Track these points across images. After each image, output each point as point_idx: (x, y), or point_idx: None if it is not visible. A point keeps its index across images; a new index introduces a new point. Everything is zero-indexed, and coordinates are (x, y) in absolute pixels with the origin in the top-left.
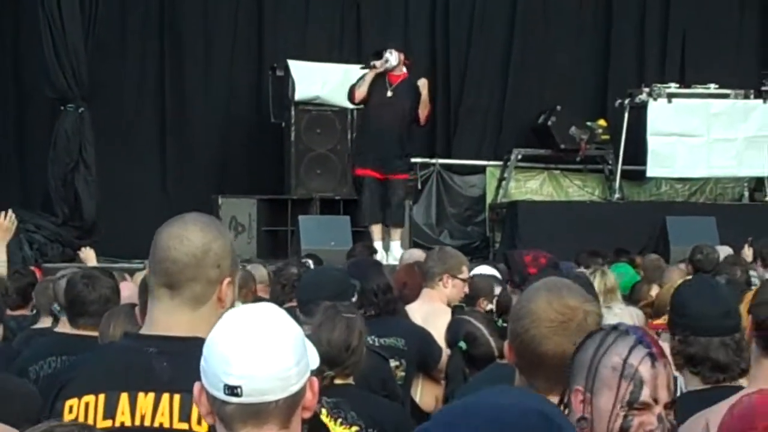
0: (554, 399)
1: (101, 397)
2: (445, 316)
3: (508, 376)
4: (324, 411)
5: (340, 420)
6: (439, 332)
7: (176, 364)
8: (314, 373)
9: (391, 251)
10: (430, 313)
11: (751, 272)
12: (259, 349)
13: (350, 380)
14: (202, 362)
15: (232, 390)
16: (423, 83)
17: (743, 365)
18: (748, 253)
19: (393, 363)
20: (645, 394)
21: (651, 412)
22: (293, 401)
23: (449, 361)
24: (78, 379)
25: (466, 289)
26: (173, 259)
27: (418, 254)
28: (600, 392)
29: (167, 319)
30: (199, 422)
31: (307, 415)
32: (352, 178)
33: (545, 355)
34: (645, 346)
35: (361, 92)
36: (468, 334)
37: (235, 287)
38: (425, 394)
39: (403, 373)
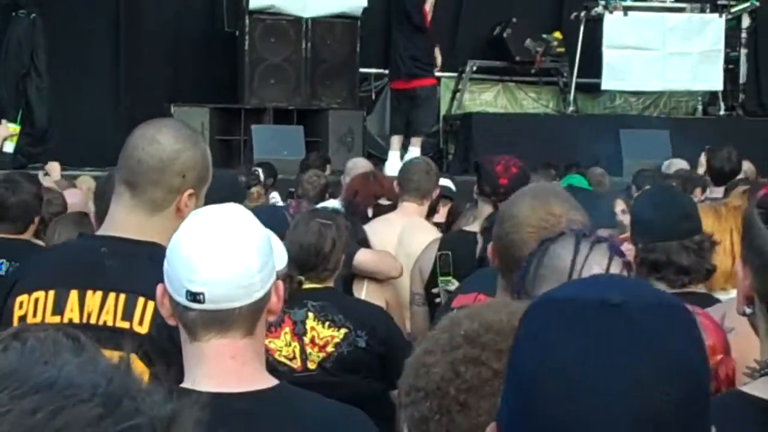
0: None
1: (51, 293)
2: (425, 232)
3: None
4: (311, 315)
5: (328, 323)
6: (417, 248)
7: (126, 265)
8: (282, 274)
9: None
10: (410, 226)
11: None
12: (223, 255)
13: (322, 284)
14: (165, 265)
15: (194, 296)
16: None
17: (707, 266)
18: (703, 162)
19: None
20: None
21: None
22: (258, 307)
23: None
24: (29, 275)
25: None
26: (139, 158)
27: (363, 164)
28: None
29: (125, 218)
30: (140, 322)
31: (272, 318)
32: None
33: (524, 260)
34: (620, 256)
35: None
36: None
37: (199, 201)
38: (371, 298)
39: None
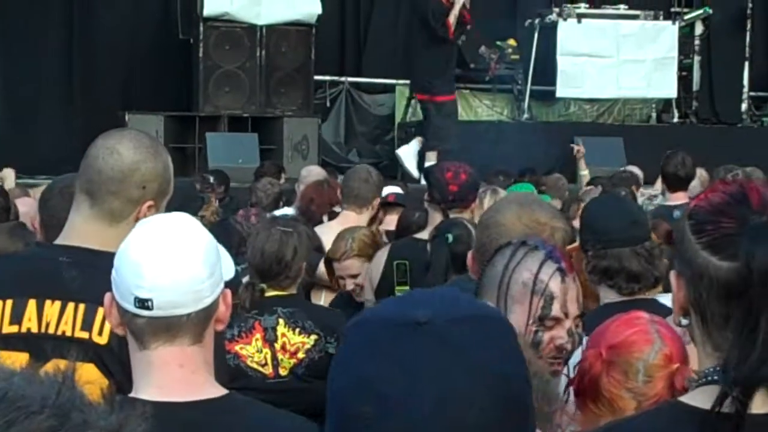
0: None
1: (9, 302)
2: None
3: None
4: (281, 321)
5: (298, 329)
6: None
7: (86, 274)
8: (235, 283)
9: None
10: None
11: (642, 191)
12: (171, 261)
13: (287, 291)
14: (113, 273)
15: (142, 303)
16: None
17: (656, 273)
18: (704, 174)
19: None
20: (556, 309)
21: (561, 326)
22: (206, 314)
23: (432, 252)
24: None
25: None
26: (99, 168)
27: (317, 171)
28: (512, 309)
29: (84, 228)
30: (100, 333)
31: (220, 327)
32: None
33: None
34: (554, 261)
35: None
36: (460, 228)
37: (159, 213)
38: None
39: None
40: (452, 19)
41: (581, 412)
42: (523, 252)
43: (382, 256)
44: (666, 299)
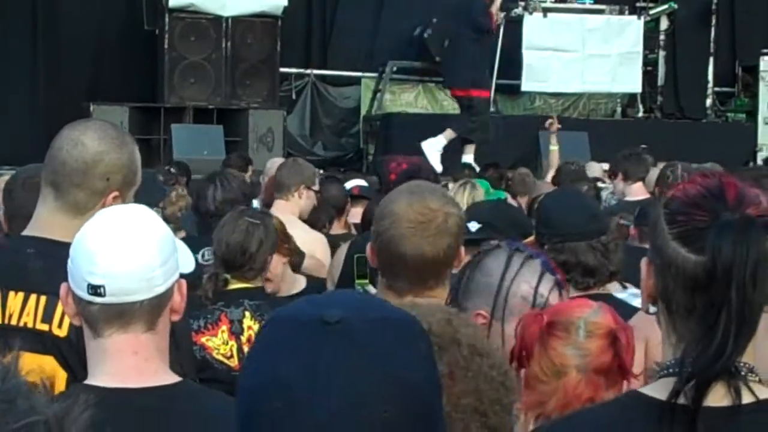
0: (412, 298)
1: None
2: (295, 228)
3: None
4: (247, 314)
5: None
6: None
7: (50, 266)
8: (195, 276)
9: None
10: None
11: (603, 185)
12: (123, 248)
13: (253, 284)
14: (69, 263)
15: (95, 290)
16: None
17: (612, 268)
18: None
19: None
20: None
21: None
22: (159, 302)
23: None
24: None
25: (315, 201)
26: (63, 160)
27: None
28: (508, 320)
29: (50, 219)
30: (59, 325)
31: (176, 317)
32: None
33: (404, 256)
34: (551, 273)
35: None
36: None
37: (126, 204)
38: None
39: None
40: (494, 9)
41: (526, 387)
42: (519, 261)
43: (343, 250)
44: (623, 295)
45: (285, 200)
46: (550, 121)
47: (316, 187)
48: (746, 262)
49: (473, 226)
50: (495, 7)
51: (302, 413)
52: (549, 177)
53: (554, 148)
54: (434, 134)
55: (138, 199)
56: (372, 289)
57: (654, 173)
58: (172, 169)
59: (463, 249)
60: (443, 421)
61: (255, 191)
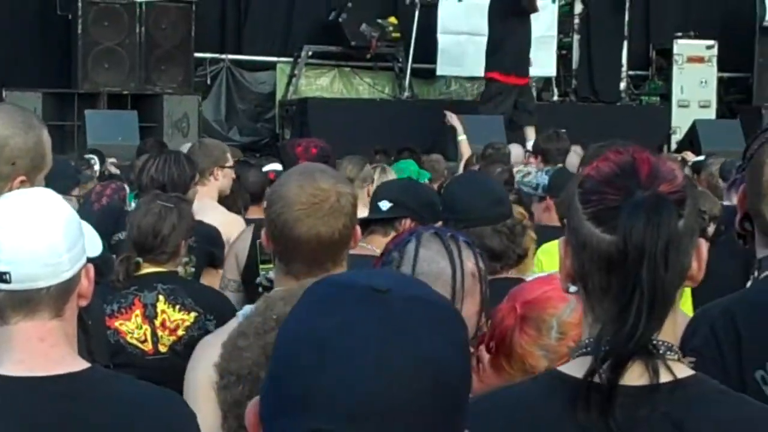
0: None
1: None
2: (214, 212)
3: None
4: (161, 298)
5: (178, 306)
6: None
7: None
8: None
9: None
10: (199, 209)
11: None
12: (28, 233)
13: (165, 268)
14: None
15: (0, 277)
16: None
17: (518, 251)
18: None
19: (184, 259)
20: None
21: None
22: (66, 288)
23: None
24: None
25: (233, 174)
26: None
27: None
28: (465, 302)
29: None
30: None
31: (84, 303)
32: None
33: (300, 238)
34: (471, 247)
35: None
36: None
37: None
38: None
39: (192, 269)
40: None
41: (495, 373)
42: (453, 243)
43: (247, 234)
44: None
45: (201, 185)
46: (447, 119)
47: (230, 163)
48: (657, 241)
49: (384, 205)
50: None
51: (334, 369)
52: (461, 167)
53: (461, 137)
54: (350, 119)
55: (49, 184)
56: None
57: (573, 156)
58: (94, 157)
59: (359, 228)
60: (467, 412)
61: None
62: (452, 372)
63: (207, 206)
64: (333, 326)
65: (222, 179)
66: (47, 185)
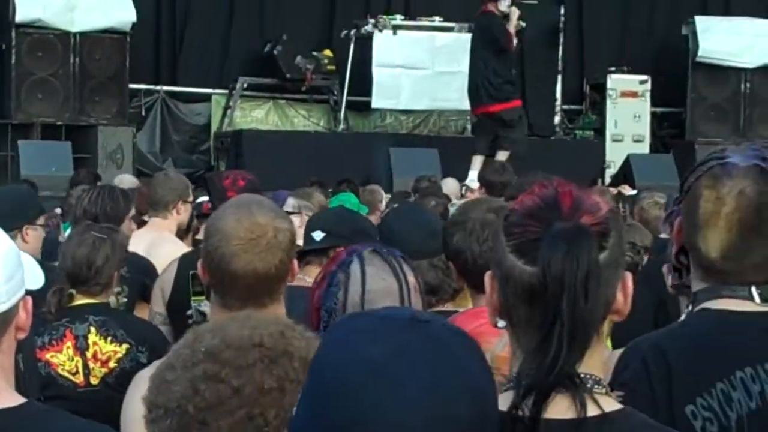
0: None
1: None
2: (173, 245)
3: None
4: (93, 330)
5: (110, 338)
6: (164, 259)
7: None
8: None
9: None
10: (157, 240)
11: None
12: None
13: (98, 299)
14: None
15: None
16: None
17: (454, 285)
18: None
19: (116, 289)
20: None
21: None
22: (3, 320)
23: None
24: None
25: (190, 211)
26: None
27: (128, 179)
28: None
29: None
30: None
31: (21, 335)
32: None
33: (236, 273)
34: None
35: None
36: None
37: None
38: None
39: (125, 300)
40: (511, 28)
41: None
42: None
43: (172, 267)
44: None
45: (162, 218)
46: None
47: (191, 198)
48: (576, 272)
49: (317, 235)
50: (511, 26)
51: (378, 388)
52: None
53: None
54: (285, 151)
55: (16, 213)
56: (207, 306)
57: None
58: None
59: (296, 262)
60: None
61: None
62: (490, 397)
63: (165, 239)
64: (386, 351)
65: (183, 213)
66: (13, 215)
